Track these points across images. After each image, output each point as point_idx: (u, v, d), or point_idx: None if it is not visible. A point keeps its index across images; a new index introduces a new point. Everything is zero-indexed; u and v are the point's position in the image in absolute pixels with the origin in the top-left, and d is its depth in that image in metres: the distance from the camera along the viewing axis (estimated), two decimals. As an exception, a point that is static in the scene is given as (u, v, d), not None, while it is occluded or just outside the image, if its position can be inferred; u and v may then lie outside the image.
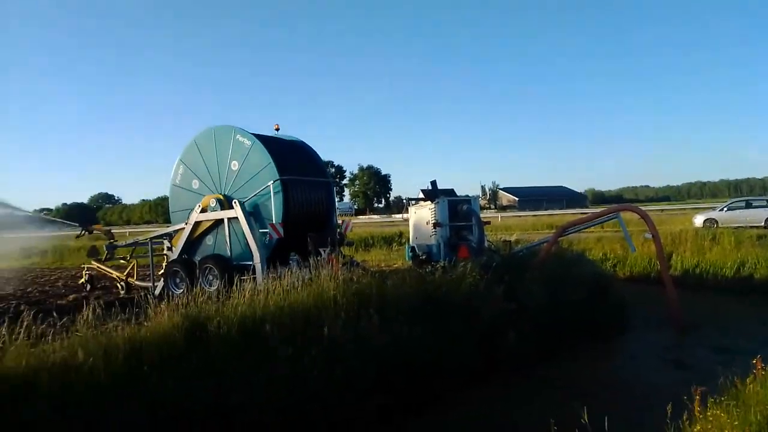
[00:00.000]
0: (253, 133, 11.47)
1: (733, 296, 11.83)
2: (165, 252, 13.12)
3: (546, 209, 54.93)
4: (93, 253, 14.96)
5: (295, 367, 5.45)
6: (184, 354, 5.43)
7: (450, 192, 12.72)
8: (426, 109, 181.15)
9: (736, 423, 3.64)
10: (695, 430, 3.73)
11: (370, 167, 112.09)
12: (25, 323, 5.23)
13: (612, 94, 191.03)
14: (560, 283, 8.60)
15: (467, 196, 12.51)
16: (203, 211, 11.67)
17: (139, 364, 5.10)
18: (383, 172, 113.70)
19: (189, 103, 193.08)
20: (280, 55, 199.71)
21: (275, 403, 5.00)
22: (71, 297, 13.45)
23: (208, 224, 11.78)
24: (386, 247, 23.07)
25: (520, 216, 46.45)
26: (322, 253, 10.40)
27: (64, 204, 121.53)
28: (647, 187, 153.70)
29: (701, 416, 3.78)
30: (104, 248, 14.49)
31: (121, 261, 14.91)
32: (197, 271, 11.27)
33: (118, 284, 14.24)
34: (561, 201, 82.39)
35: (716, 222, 21.90)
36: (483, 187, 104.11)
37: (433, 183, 12.39)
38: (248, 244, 10.86)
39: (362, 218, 61.74)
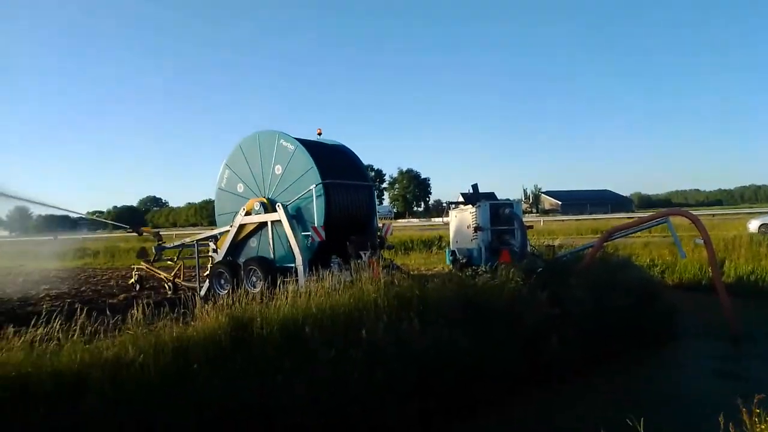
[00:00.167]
0: (296, 138, 11.66)
1: (791, 306, 11.26)
2: (210, 254, 13.47)
3: (590, 213, 53.71)
4: (142, 254, 15.49)
5: (336, 369, 5.48)
6: (229, 354, 5.54)
7: (490, 196, 12.59)
8: (466, 111, 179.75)
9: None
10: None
11: (409, 171, 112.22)
12: (79, 321, 5.46)
13: (659, 93, 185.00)
14: (606, 288, 8.38)
15: (508, 199, 12.36)
16: (248, 214, 11.93)
17: (186, 363, 5.24)
18: (423, 176, 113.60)
19: (234, 108, 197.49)
20: (321, 60, 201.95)
21: (317, 406, 5.05)
22: (122, 296, 13.95)
23: (252, 227, 12.04)
24: (426, 251, 23.02)
25: (563, 220, 45.57)
26: (363, 256, 10.47)
27: (115, 207, 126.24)
28: (697, 190, 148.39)
29: (756, 429, 3.62)
30: (153, 250, 14.97)
31: (169, 262, 15.37)
32: (241, 272, 11.52)
33: (165, 284, 14.69)
34: (605, 205, 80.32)
35: (773, 227, 20.94)
36: (525, 191, 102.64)
37: (474, 187, 12.29)
38: (291, 246, 11.03)
39: (401, 222, 61.78)
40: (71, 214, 16.01)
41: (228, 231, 12.37)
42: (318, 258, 10.74)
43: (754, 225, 21.76)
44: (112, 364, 4.89)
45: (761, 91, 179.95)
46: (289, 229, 11.03)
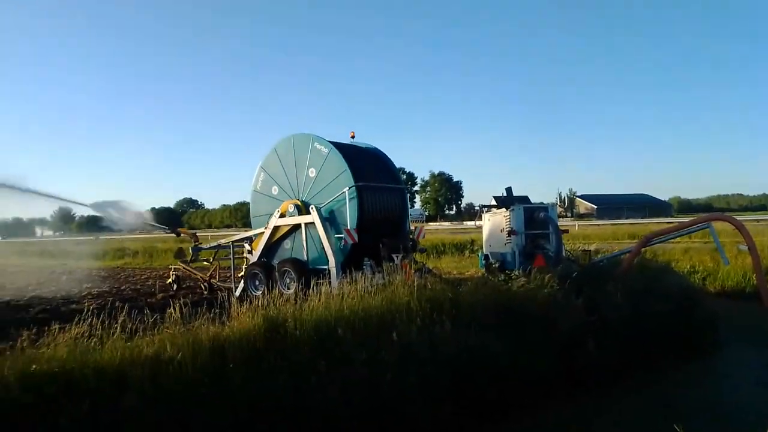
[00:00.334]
0: (329, 141, 11.77)
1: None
2: (245, 255, 13.70)
3: (627, 218, 52.50)
4: (180, 254, 15.85)
5: (369, 371, 5.51)
6: (263, 354, 5.61)
7: (524, 199, 12.44)
8: (499, 114, 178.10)
9: None
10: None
11: (441, 174, 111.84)
12: (120, 319, 5.62)
13: (700, 92, 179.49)
14: (644, 294, 8.18)
15: (542, 203, 12.20)
16: (282, 216, 12.09)
17: (222, 362, 5.34)
18: (455, 179, 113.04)
19: (268, 110, 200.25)
20: (355, 62, 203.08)
21: (350, 407, 5.08)
22: (160, 296, 14.30)
23: (286, 229, 12.19)
24: (458, 255, 22.89)
25: (598, 225, 44.67)
26: (395, 259, 10.49)
27: (153, 208, 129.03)
28: (740, 195, 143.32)
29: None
30: (190, 250, 15.30)
31: (205, 263, 15.69)
32: (275, 273, 11.67)
33: (201, 285, 15.00)
34: (643, 209, 78.50)
35: (822, 234, 20.06)
36: (559, 194, 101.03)
37: (508, 190, 12.17)
38: (324, 248, 11.13)
39: (433, 225, 61.61)
40: (110, 215, 16.44)
41: (263, 233, 12.56)
42: (351, 260, 10.80)
43: (801, 231, 20.91)
44: (151, 362, 5.01)
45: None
46: (323, 231, 11.13)
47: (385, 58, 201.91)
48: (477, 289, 7.65)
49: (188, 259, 15.36)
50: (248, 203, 13.72)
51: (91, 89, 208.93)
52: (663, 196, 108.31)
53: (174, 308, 6.11)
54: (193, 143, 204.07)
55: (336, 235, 11.24)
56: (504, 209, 11.52)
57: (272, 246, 12.60)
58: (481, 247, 13.13)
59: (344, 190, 11.17)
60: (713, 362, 8.08)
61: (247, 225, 14.02)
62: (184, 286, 15.85)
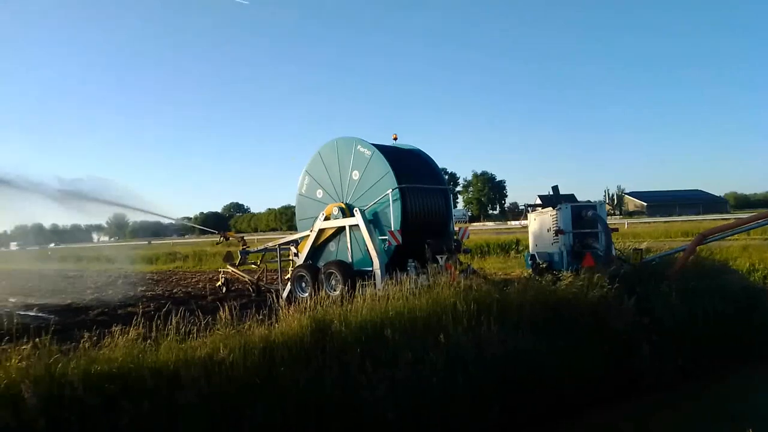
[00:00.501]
0: (373, 143, 11.83)
1: None
2: (292, 257, 13.92)
3: (679, 215, 50.63)
4: (228, 258, 16.23)
5: (415, 372, 5.52)
6: (311, 354, 5.71)
7: (570, 198, 12.16)
8: (543, 111, 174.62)
9: None
10: None
11: (484, 173, 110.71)
12: (173, 321, 5.81)
13: (758, 80, 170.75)
14: (701, 295, 7.89)
15: (589, 201, 11.90)
16: (326, 219, 12.23)
17: (272, 362, 5.45)
18: (498, 178, 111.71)
19: (313, 114, 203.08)
20: (397, 63, 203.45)
21: (398, 406, 5.10)
22: (210, 298, 14.69)
23: (331, 231, 12.32)
24: (503, 255, 22.58)
25: (649, 222, 43.25)
26: (440, 260, 10.44)
27: (201, 213, 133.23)
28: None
29: None
30: (238, 254, 15.65)
31: (252, 266, 16.01)
32: (321, 275, 11.81)
33: (249, 287, 15.32)
34: (696, 206, 75.46)
35: None
36: (606, 192, 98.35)
37: (555, 188, 11.92)
38: (368, 250, 11.19)
39: (476, 225, 61.09)
40: (164, 220, 17.07)
41: (308, 236, 12.73)
42: (395, 262, 10.82)
43: None
44: (204, 363, 5.16)
45: None
46: (367, 233, 11.19)
47: (428, 59, 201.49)
48: (524, 290, 7.54)
49: (236, 262, 15.71)
50: (293, 206, 13.93)
51: (137, 96, 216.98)
52: (718, 191, 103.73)
53: (224, 310, 6.26)
54: (239, 148, 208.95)
55: (380, 237, 11.28)
56: (550, 208, 11.29)
57: (317, 248, 12.76)
58: (527, 247, 12.91)
59: (388, 192, 11.21)
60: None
61: (292, 228, 14.29)
62: (232, 288, 16.21)
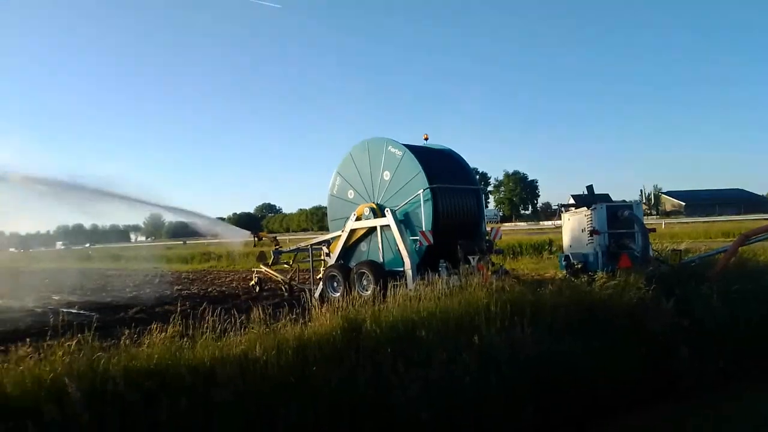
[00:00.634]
0: (403, 144, 11.85)
1: None
2: (323, 257, 14.04)
3: (719, 215, 49.14)
4: (261, 258, 16.46)
5: (448, 372, 5.51)
6: (344, 354, 5.74)
7: (605, 197, 11.96)
8: (575, 108, 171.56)
9: None
10: None
11: (516, 173, 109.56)
12: (209, 320, 5.92)
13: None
14: (743, 297, 7.65)
15: (624, 201, 11.68)
16: (358, 219, 12.30)
17: (304, 362, 5.51)
18: (530, 178, 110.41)
19: (345, 114, 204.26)
20: (428, 63, 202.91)
21: (430, 407, 5.10)
22: (244, 297, 14.95)
23: (362, 232, 12.38)
24: (535, 256, 22.32)
25: (687, 222, 42.14)
26: (472, 260, 10.38)
27: (234, 213, 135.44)
28: None
29: None
30: (271, 253, 15.87)
31: (285, 265, 16.22)
32: (353, 275, 11.88)
33: (282, 286, 15.52)
34: (737, 205, 72.94)
35: None
36: (642, 191, 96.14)
37: (590, 188, 11.74)
38: (399, 250, 11.21)
39: (508, 225, 60.52)
40: (199, 220, 17.50)
41: (340, 236, 12.83)
42: (426, 262, 10.81)
43: None
44: (239, 360, 5.25)
45: None
46: (398, 233, 11.21)
47: (460, 57, 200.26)
48: (559, 291, 7.44)
49: (269, 262, 15.93)
50: (324, 207, 14.07)
51: (170, 101, 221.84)
52: (760, 190, 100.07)
53: (259, 309, 6.35)
54: (271, 149, 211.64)
55: (411, 238, 11.29)
56: (585, 208, 11.11)
57: (349, 249, 12.84)
58: (561, 248, 12.73)
59: (419, 192, 11.21)
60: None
61: (323, 228, 14.48)
62: (265, 288, 16.45)
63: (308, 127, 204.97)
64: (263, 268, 16.01)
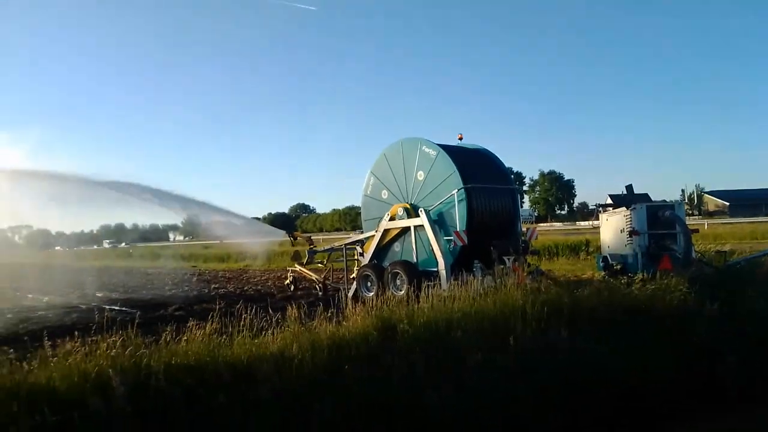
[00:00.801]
0: (438, 144, 11.82)
1: None
2: (357, 257, 14.12)
3: (766, 215, 47.29)
4: (296, 257, 16.65)
5: (482, 374, 5.46)
6: (378, 353, 5.76)
7: (644, 197, 11.70)
8: (613, 106, 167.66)
9: None
10: None
11: (551, 172, 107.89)
12: (246, 318, 6.02)
13: None
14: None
15: (665, 201, 11.38)
16: (392, 219, 12.32)
17: (339, 360, 5.54)
18: (566, 177, 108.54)
19: (378, 115, 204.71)
20: (463, 63, 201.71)
21: (463, 407, 5.06)
22: (279, 296, 15.14)
23: (396, 232, 12.40)
24: (572, 256, 21.92)
25: (731, 223, 40.72)
26: (507, 261, 10.28)
27: (269, 213, 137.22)
28: None
29: None
30: (306, 253, 16.03)
31: (319, 265, 16.36)
32: (386, 275, 11.90)
33: (316, 285, 15.66)
34: (784, 205, 70.18)
35: None
36: (683, 191, 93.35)
37: (629, 187, 11.49)
38: (433, 251, 11.17)
39: (543, 225, 59.70)
40: (235, 220, 17.83)
41: (373, 236, 12.87)
42: (460, 262, 10.76)
43: None
44: (275, 358, 5.32)
45: None
46: (432, 233, 11.18)
47: (495, 56, 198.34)
48: (597, 293, 7.30)
49: (304, 261, 16.09)
50: (357, 207, 14.15)
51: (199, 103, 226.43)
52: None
53: (294, 308, 6.42)
54: (304, 149, 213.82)
55: (445, 238, 11.25)
56: (624, 208, 10.88)
57: (383, 248, 12.87)
58: (598, 249, 12.49)
59: (453, 192, 11.16)
60: None
61: (356, 228, 14.51)
62: (300, 287, 16.63)
63: (341, 127, 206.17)
64: (298, 268, 16.19)
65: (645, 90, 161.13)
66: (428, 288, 7.97)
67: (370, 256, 12.97)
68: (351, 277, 14.00)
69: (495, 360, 5.60)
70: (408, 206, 12.08)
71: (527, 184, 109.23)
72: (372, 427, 4.89)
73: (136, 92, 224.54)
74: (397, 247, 12.66)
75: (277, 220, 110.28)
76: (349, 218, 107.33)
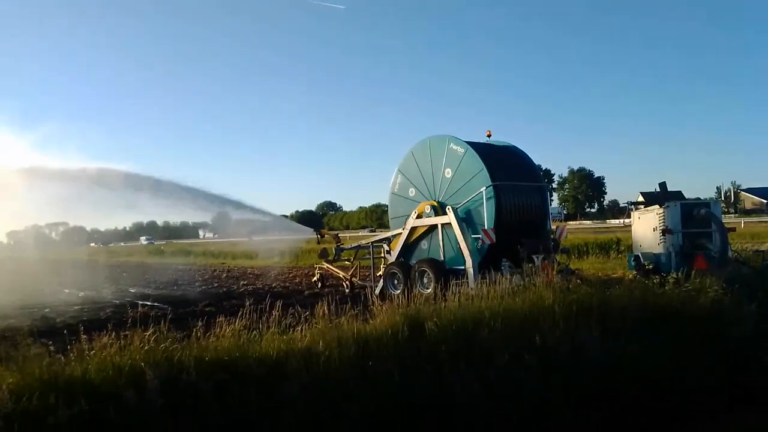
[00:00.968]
0: (466, 141, 11.74)
1: None
2: (384, 255, 14.13)
3: (807, 213, 45.64)
4: (324, 254, 16.77)
5: (510, 373, 5.41)
6: (405, 351, 5.75)
7: (677, 195, 11.43)
8: (645, 103, 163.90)
9: None
10: None
11: (581, 169, 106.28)
12: (275, 314, 6.08)
13: None
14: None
15: (699, 199, 11.10)
16: (419, 217, 12.30)
17: (366, 357, 5.56)
18: (596, 174, 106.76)
19: (405, 112, 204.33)
20: (491, 61, 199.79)
21: (492, 407, 5.03)
22: (307, 293, 15.28)
23: (423, 229, 12.37)
24: (602, 255, 21.54)
25: (770, 222, 39.45)
26: (535, 259, 10.16)
27: (297, 211, 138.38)
28: None
29: None
30: (333, 250, 16.13)
31: (346, 262, 16.43)
32: (413, 273, 11.89)
33: (343, 283, 15.74)
34: (828, 203, 67.73)
35: None
36: (718, 189, 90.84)
37: (662, 185, 11.24)
38: (461, 249, 11.11)
39: (572, 223, 58.89)
40: (263, 217, 18.05)
41: (400, 234, 12.87)
42: (488, 261, 10.68)
43: None
44: (304, 354, 5.36)
45: None
46: (459, 231, 11.12)
47: (523, 52, 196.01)
48: (629, 293, 7.16)
49: (331, 258, 16.19)
50: (384, 205, 14.18)
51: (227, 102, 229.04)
52: None
53: (322, 305, 6.45)
54: (332, 147, 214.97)
55: (473, 236, 11.17)
56: (656, 206, 10.65)
57: (410, 246, 12.86)
58: (630, 247, 12.26)
59: (481, 189, 11.07)
60: None
61: (383, 226, 14.59)
62: (327, 284, 16.73)
63: (369, 125, 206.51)
64: (325, 265, 16.29)
65: (678, 86, 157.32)
66: (455, 286, 7.93)
67: (397, 253, 12.97)
68: (378, 274, 14.03)
69: (523, 359, 5.54)
70: (435, 204, 12.03)
71: (556, 182, 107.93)
72: (400, 425, 4.90)
73: (155, 89, 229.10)
74: (424, 244, 12.63)
75: (304, 218, 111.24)
76: (376, 216, 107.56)
